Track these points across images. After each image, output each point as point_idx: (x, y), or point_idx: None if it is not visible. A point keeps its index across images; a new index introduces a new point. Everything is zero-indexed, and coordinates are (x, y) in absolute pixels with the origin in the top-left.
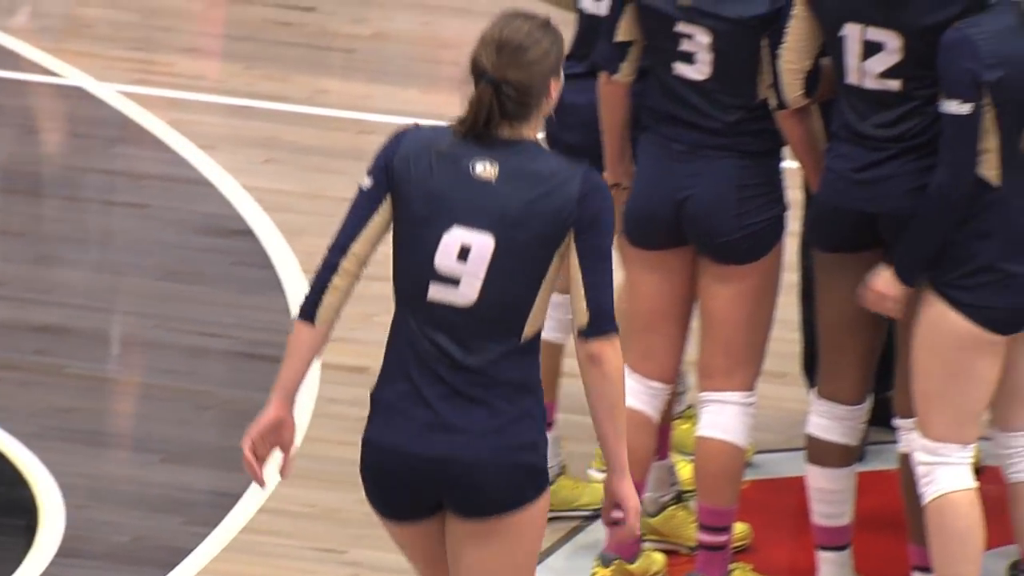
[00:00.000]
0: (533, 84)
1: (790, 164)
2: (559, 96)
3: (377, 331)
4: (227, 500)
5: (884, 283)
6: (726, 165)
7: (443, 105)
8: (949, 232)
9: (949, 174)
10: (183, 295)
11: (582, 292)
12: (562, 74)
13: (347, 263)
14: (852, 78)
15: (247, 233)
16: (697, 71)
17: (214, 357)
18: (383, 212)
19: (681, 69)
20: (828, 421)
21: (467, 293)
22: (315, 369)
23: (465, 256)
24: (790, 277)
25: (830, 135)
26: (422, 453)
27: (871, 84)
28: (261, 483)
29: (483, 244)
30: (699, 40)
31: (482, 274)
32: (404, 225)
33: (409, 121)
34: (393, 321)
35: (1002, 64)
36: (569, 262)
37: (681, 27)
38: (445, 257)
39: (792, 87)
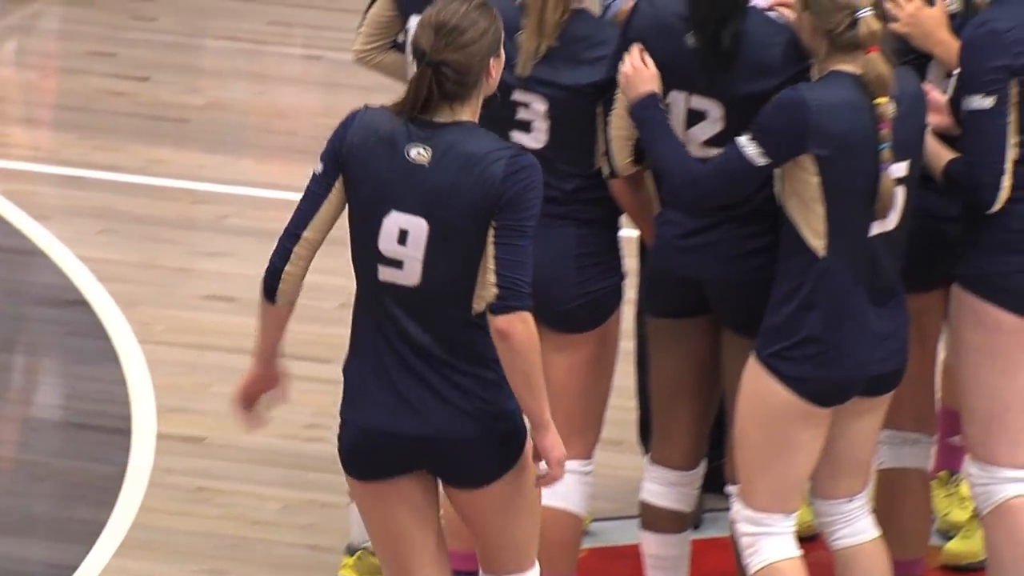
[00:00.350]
0: (472, 64)
1: (628, 232)
2: (498, 76)
3: (214, 401)
4: (63, 572)
5: None
6: (564, 234)
7: (278, 174)
8: None
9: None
10: (17, 366)
11: (492, 267)
12: (502, 54)
13: (299, 249)
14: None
15: (82, 303)
16: (534, 139)
17: (48, 428)
18: (334, 197)
19: (518, 137)
20: (661, 487)
21: (411, 274)
22: (151, 439)
23: (404, 239)
24: (627, 344)
25: (660, 202)
26: (398, 431)
27: (696, 152)
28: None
29: (418, 227)
30: (535, 108)
31: (421, 256)
32: (354, 208)
33: (242, 191)
34: (356, 298)
35: (832, 141)
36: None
37: (518, 95)
38: (387, 241)
39: (622, 155)
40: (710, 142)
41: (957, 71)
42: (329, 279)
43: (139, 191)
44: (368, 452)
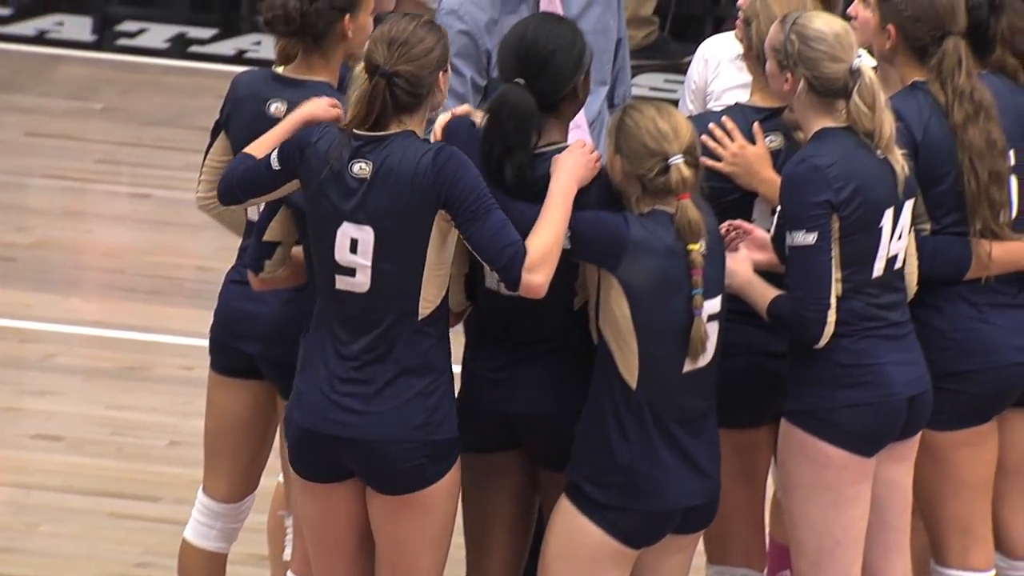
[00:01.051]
0: (423, 76)
1: None
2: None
3: (42, 541)
4: None
5: None
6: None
7: (106, 312)
8: None
9: None
10: None
11: (487, 255)
12: (450, 69)
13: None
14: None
15: None
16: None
17: None
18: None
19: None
20: None
21: (362, 281)
22: None
23: (355, 248)
24: None
25: (472, 339)
26: (331, 433)
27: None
28: None
29: (366, 236)
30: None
31: (370, 263)
32: (312, 224)
33: (70, 330)
34: (316, 311)
35: (645, 276)
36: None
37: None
38: (341, 251)
39: (455, 293)
40: None
41: (779, 207)
42: (157, 417)
43: None
44: (305, 450)
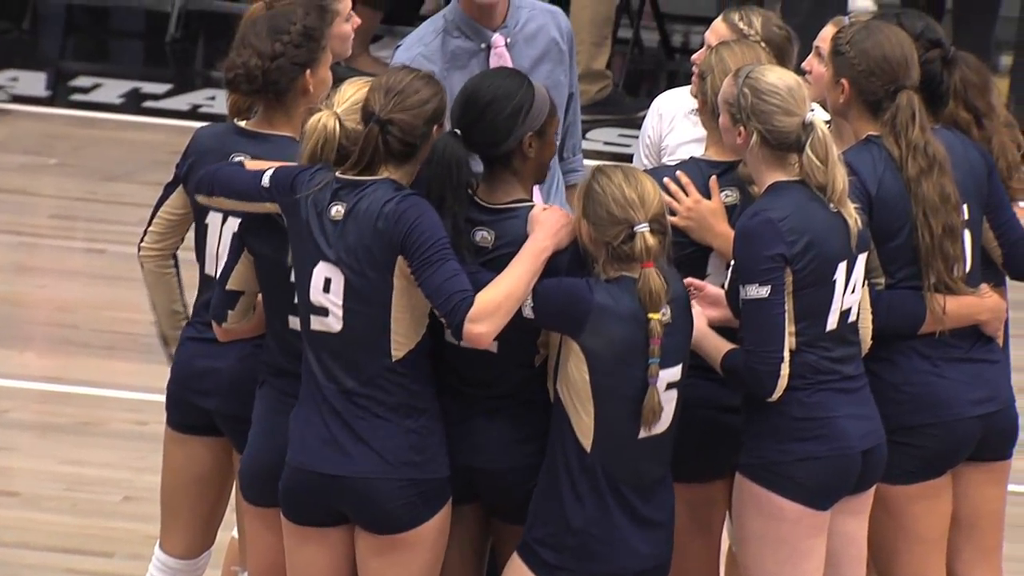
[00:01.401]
0: (417, 125)
1: None
2: None
3: None
4: None
5: None
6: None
7: (60, 368)
8: None
9: None
10: None
11: (435, 301)
12: (445, 124)
13: None
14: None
15: None
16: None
17: None
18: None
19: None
20: None
21: (335, 321)
22: None
23: (328, 287)
24: None
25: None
26: (322, 471)
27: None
28: None
29: (338, 276)
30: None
31: (341, 303)
32: (295, 260)
33: (25, 385)
34: (304, 351)
35: (606, 341)
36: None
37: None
38: (316, 291)
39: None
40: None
41: (733, 261)
42: (111, 472)
43: None
44: (296, 492)
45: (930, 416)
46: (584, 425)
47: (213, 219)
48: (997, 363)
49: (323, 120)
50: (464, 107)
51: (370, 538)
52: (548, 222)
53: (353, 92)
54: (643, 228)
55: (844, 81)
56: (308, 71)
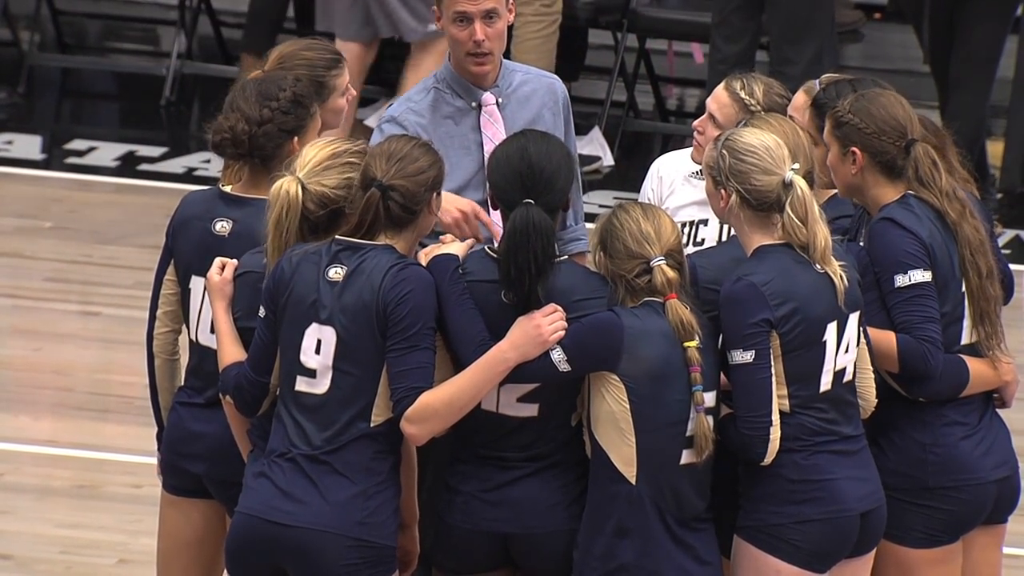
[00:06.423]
0: (418, 192)
1: None
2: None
3: None
4: None
5: None
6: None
7: (55, 431)
8: None
9: None
10: None
11: (391, 385)
12: (442, 193)
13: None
14: (489, 405)
15: None
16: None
17: None
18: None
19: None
20: None
21: (322, 382)
22: None
23: (319, 348)
24: None
25: (453, 457)
26: (267, 518)
27: (511, 410)
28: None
29: (329, 337)
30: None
31: (331, 363)
32: (284, 327)
33: (20, 448)
34: (276, 407)
35: (643, 365)
36: None
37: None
38: (307, 352)
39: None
40: (525, 398)
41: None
42: (106, 535)
43: None
44: (241, 541)
45: (955, 479)
46: (626, 455)
47: (196, 283)
48: (1005, 428)
49: (285, 186)
50: (530, 176)
51: None
52: (520, 331)
53: (315, 154)
54: (659, 261)
55: (855, 149)
56: (295, 138)
